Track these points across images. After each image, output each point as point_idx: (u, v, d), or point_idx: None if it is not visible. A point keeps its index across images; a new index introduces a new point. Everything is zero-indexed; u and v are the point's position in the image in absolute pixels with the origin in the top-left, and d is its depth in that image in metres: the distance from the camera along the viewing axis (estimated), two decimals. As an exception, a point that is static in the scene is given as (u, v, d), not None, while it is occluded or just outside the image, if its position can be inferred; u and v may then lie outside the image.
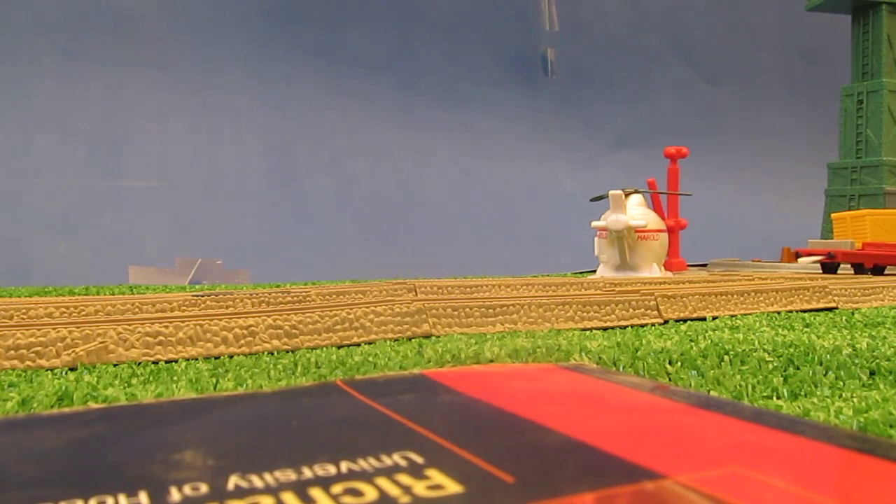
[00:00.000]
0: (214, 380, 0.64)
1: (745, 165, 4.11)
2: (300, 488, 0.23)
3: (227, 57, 3.15)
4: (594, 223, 1.82)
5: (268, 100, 3.24)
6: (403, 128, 3.48)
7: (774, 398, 0.58)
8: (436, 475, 0.24)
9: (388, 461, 0.25)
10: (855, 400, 0.55)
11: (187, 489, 0.23)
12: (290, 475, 0.24)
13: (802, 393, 0.60)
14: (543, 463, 0.25)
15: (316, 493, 0.22)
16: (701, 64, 4.30)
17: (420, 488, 0.22)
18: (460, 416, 0.32)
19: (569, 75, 3.91)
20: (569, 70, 3.91)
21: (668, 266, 1.95)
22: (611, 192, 1.75)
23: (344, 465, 0.25)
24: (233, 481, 0.24)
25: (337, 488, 0.23)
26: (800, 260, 2.10)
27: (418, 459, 0.25)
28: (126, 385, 0.63)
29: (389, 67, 3.49)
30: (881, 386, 0.61)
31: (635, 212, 1.80)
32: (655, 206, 2.02)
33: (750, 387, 0.61)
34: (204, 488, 0.23)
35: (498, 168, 3.62)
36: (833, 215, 2.60)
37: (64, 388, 0.59)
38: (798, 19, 4.03)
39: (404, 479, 0.23)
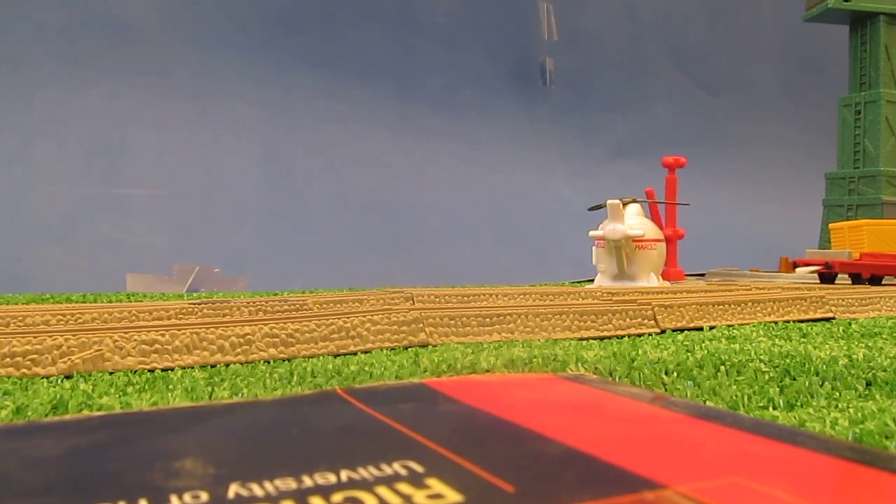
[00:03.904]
0: (210, 388, 0.64)
1: (743, 175, 4.12)
2: (300, 497, 0.23)
3: (226, 65, 3.15)
4: (592, 232, 1.82)
5: (266, 108, 3.24)
6: (402, 136, 3.48)
7: (770, 409, 0.58)
8: (436, 484, 0.24)
9: (388, 470, 0.25)
10: (851, 411, 0.55)
11: (187, 497, 0.23)
12: (290, 483, 0.24)
13: (798, 403, 0.60)
14: (543, 472, 0.25)
15: (316, 501, 0.22)
16: (699, 74, 4.31)
17: (420, 497, 0.22)
18: (460, 426, 0.32)
19: (567, 85, 3.91)
20: (567, 79, 3.92)
21: (665, 275, 1.95)
22: (608, 202, 1.75)
23: (344, 474, 0.25)
24: (233, 489, 0.24)
25: (337, 497, 0.23)
26: (797, 270, 2.11)
27: (418, 468, 0.25)
28: (121, 394, 0.63)
29: (388, 76, 3.50)
30: (877, 396, 0.62)
31: (633, 221, 1.81)
32: (653, 216, 2.02)
33: (746, 397, 0.61)
34: (204, 496, 0.23)
35: (496, 176, 3.62)
36: (831, 225, 2.61)
37: (59, 396, 0.59)
38: (796, 30, 4.05)
39: (404, 487, 0.23)
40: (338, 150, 3.37)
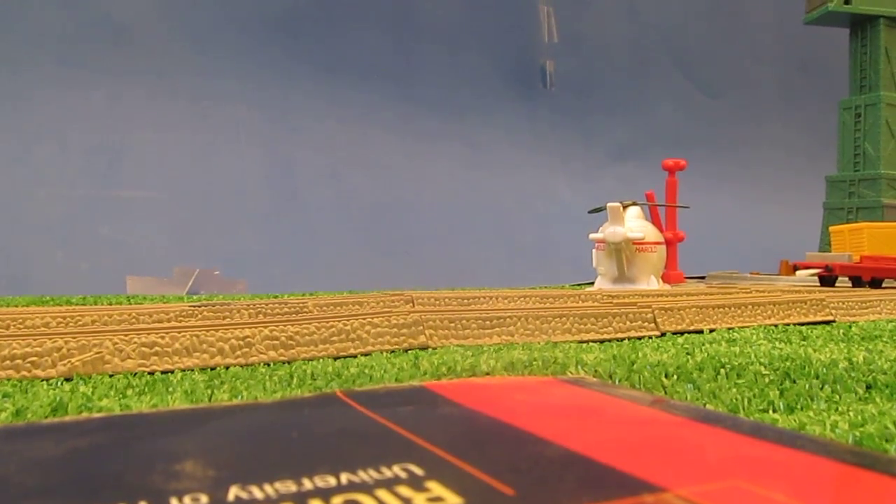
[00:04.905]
0: (210, 391, 0.64)
1: (743, 178, 4.12)
2: (300, 499, 0.23)
3: (227, 67, 3.15)
4: (592, 235, 1.82)
5: (267, 110, 3.24)
6: (402, 138, 3.48)
7: (770, 412, 0.58)
8: (436, 487, 0.24)
9: (388, 473, 0.25)
10: (851, 414, 0.55)
11: (187, 499, 0.23)
12: (290, 486, 0.24)
13: (798, 406, 0.60)
14: (543, 476, 0.25)
15: (316, 504, 0.22)
16: (699, 76, 4.31)
17: (420, 500, 0.22)
18: (460, 429, 0.32)
19: (568, 87, 3.91)
20: (568, 82, 3.92)
21: (665, 278, 1.95)
22: (609, 205, 1.75)
23: (344, 477, 0.25)
24: (233, 492, 0.24)
25: (337, 500, 0.23)
26: (798, 273, 2.10)
27: (418, 471, 0.25)
28: (121, 396, 0.63)
29: (389, 78, 3.50)
30: (877, 400, 0.61)
31: (633, 224, 1.80)
32: (653, 219, 2.02)
33: (746, 400, 0.60)
34: (204, 499, 0.23)
35: (496, 179, 3.62)
36: (831, 228, 2.60)
37: (59, 398, 0.59)
38: (796, 32, 4.04)
39: (404, 490, 0.23)
40: (338, 152, 3.37)
